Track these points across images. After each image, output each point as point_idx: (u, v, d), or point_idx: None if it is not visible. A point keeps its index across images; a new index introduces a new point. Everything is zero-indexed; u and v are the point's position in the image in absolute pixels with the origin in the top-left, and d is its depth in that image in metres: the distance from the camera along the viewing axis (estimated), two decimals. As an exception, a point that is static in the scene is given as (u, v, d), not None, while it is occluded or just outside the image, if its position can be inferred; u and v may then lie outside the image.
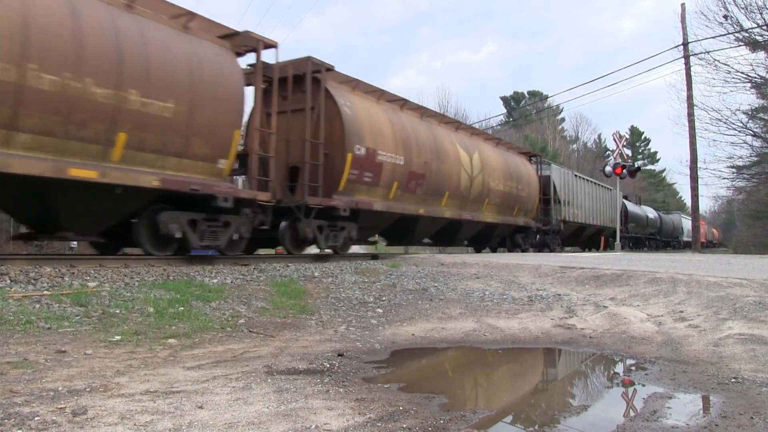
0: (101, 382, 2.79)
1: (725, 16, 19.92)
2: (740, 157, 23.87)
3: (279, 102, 9.74)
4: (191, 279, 6.33)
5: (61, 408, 2.36)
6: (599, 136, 66.64)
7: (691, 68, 21.09)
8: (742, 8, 19.62)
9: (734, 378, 3.25)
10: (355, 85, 11.15)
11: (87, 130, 6.44)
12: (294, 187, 10.02)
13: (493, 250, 17.95)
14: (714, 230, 62.43)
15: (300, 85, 9.92)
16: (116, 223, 7.48)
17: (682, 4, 21.31)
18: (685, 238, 41.77)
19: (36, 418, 2.21)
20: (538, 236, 19.05)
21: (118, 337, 3.89)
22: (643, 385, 3.27)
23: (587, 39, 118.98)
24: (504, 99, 63.61)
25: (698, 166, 21.64)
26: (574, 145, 61.28)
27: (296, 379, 3.07)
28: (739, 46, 20.67)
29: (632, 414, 2.73)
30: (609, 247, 25.37)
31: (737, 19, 19.89)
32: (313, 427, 2.28)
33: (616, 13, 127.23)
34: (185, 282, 6.04)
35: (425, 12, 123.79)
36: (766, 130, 22.53)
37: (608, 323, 5.08)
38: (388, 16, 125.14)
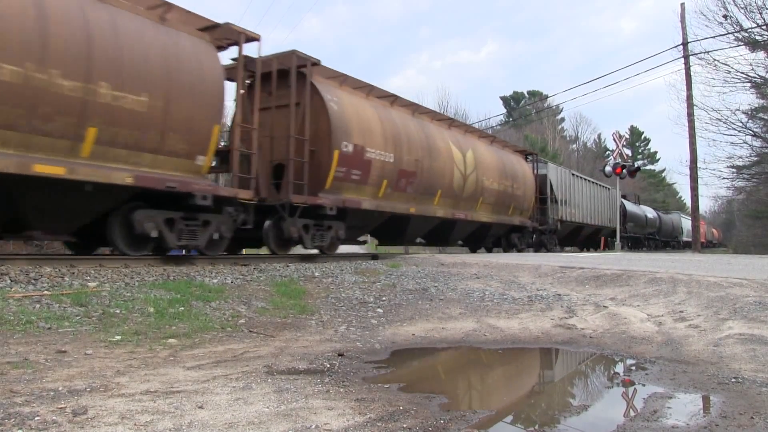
0: (101, 382, 2.79)
1: (725, 16, 19.94)
2: (740, 157, 23.90)
3: (264, 98, 9.52)
4: (191, 279, 6.33)
5: (61, 408, 2.36)
6: (599, 136, 66.72)
7: (691, 68, 21.11)
8: (742, 8, 19.64)
9: (734, 378, 3.25)
10: (342, 80, 10.86)
11: (53, 124, 6.17)
12: (280, 186, 9.76)
13: (489, 250, 17.76)
14: (714, 230, 62.44)
15: (285, 81, 9.68)
16: (89, 221, 7.23)
17: (682, 4, 21.34)
18: (684, 238, 41.71)
19: (36, 418, 2.21)
20: (534, 236, 18.80)
21: (119, 337, 3.89)
22: (644, 385, 3.27)
23: (587, 39, 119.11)
24: (504, 99, 63.68)
25: (698, 166, 21.67)
26: (574, 145, 61.31)
27: (296, 379, 3.07)
28: (739, 46, 20.68)
29: (632, 414, 2.73)
30: (609, 247, 25.36)
31: (737, 19, 19.91)
32: (313, 427, 2.29)
33: (616, 13, 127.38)
34: (185, 282, 6.04)
35: (425, 12, 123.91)
36: (766, 130, 22.53)
37: (608, 323, 5.08)
38: (388, 16, 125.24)
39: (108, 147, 6.72)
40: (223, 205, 8.28)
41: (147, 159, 7.21)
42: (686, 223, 41.16)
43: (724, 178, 25.24)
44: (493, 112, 77.72)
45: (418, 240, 15.10)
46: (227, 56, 8.90)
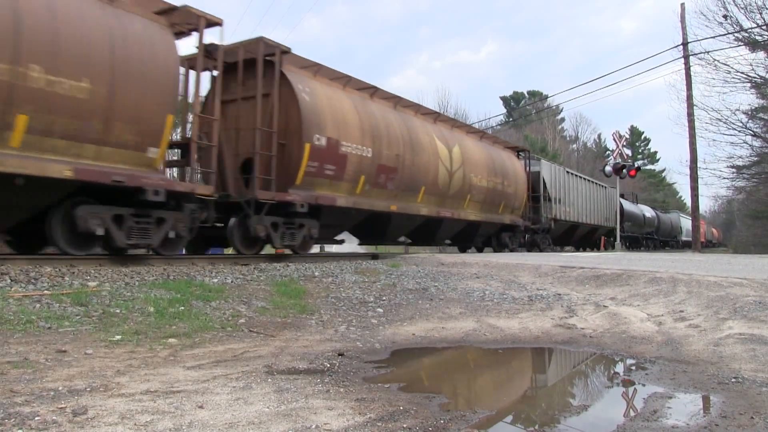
0: (101, 382, 2.79)
1: (725, 16, 19.94)
2: (740, 157, 23.91)
3: (233, 88, 9.08)
4: (191, 279, 6.33)
5: (61, 408, 2.36)
6: (599, 136, 66.79)
7: (691, 68, 21.10)
8: (742, 8, 19.65)
9: (734, 378, 3.25)
10: (316, 70, 10.27)
11: None
12: (249, 181, 9.17)
13: (479, 250, 17.32)
14: (714, 230, 62.45)
15: (253, 70, 9.06)
16: (25, 218, 6.73)
17: (682, 4, 21.33)
18: (683, 238, 41.67)
19: (36, 418, 2.21)
20: (526, 235, 18.24)
21: (119, 337, 3.89)
22: (644, 385, 3.27)
23: (587, 39, 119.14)
24: (504, 99, 63.71)
25: (698, 165, 21.66)
26: (574, 145, 61.37)
27: (296, 379, 3.07)
28: (739, 46, 20.69)
29: (632, 414, 2.73)
30: (609, 246, 25.35)
31: (737, 19, 19.92)
32: (313, 426, 2.28)
33: (616, 13, 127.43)
34: (185, 282, 6.04)
35: (425, 12, 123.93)
36: (766, 130, 22.54)
37: (608, 323, 5.08)
38: (388, 16, 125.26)
39: (43, 137, 6.16)
40: (182, 202, 7.77)
41: (90, 150, 6.65)
42: (685, 223, 41.15)
43: (724, 178, 25.29)
44: (493, 112, 77.80)
45: (402, 239, 14.63)
46: (192, 43, 8.33)
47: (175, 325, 4.38)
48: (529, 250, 18.21)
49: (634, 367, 3.77)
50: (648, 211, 34.94)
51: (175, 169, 10.28)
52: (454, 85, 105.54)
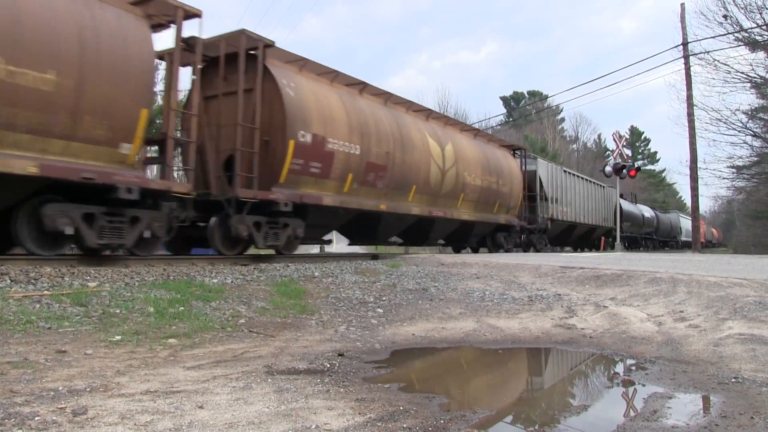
0: (101, 382, 2.79)
1: (725, 16, 19.95)
2: (740, 157, 23.89)
3: (215, 83, 8.89)
4: (191, 279, 6.33)
5: (61, 408, 2.36)
6: (599, 136, 66.80)
7: (691, 68, 21.12)
8: (742, 8, 19.65)
9: (734, 378, 3.25)
10: (302, 65, 9.99)
11: None
12: (232, 178, 8.90)
13: (474, 251, 17.11)
14: (714, 230, 62.45)
15: (236, 65, 8.83)
16: None
17: (682, 4, 21.35)
18: (683, 238, 41.63)
19: (36, 418, 2.21)
20: (522, 235, 17.82)
21: (119, 337, 3.89)
22: (644, 385, 3.27)
23: (587, 39, 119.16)
24: (504, 99, 63.76)
25: (698, 166, 21.67)
26: (574, 145, 61.36)
27: (296, 379, 3.07)
28: (739, 46, 20.69)
29: (632, 414, 2.73)
30: (608, 247, 25.34)
31: (737, 19, 19.93)
32: (313, 427, 2.29)
33: (616, 13, 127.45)
34: (185, 282, 6.04)
35: (425, 12, 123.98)
36: (766, 130, 22.54)
37: (608, 323, 5.08)
38: (388, 16, 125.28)
39: (4, 130, 5.89)
40: (159, 200, 7.53)
41: (57, 146, 6.36)
42: (685, 223, 41.12)
43: (724, 178, 25.28)
44: (493, 112, 77.85)
45: (393, 239, 14.35)
46: (170, 36, 8.06)
47: (175, 326, 4.38)
48: (525, 251, 17.95)
49: (634, 367, 3.77)
50: (647, 211, 34.91)
51: (156, 167, 10.04)
52: (454, 85, 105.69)
